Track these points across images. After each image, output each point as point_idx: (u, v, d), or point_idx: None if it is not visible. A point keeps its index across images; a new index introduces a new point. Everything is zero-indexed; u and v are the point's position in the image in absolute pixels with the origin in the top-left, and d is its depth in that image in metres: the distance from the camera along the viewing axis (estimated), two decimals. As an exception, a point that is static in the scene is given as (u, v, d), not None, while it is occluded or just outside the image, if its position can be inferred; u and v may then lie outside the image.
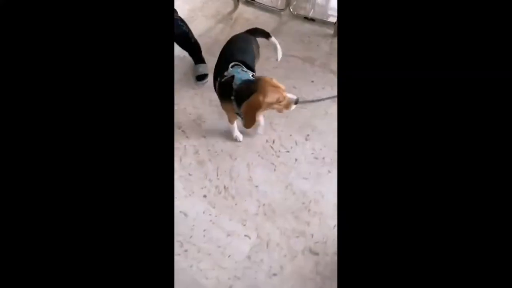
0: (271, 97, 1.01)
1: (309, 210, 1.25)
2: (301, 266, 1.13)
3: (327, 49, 1.78)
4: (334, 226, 1.21)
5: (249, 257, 1.15)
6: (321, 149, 1.39)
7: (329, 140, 1.41)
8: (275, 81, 1.05)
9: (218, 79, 1.17)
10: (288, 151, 1.39)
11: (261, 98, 1.00)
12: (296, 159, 1.37)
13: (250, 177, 1.33)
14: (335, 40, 1.80)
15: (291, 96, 1.05)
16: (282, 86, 1.05)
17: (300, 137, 1.41)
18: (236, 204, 1.27)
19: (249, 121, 1.08)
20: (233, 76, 1.11)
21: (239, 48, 1.23)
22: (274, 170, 1.35)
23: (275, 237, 1.19)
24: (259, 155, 1.39)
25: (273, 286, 1.09)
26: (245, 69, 1.16)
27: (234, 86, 1.09)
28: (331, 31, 1.85)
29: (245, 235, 1.20)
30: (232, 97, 1.10)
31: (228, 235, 1.20)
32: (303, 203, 1.26)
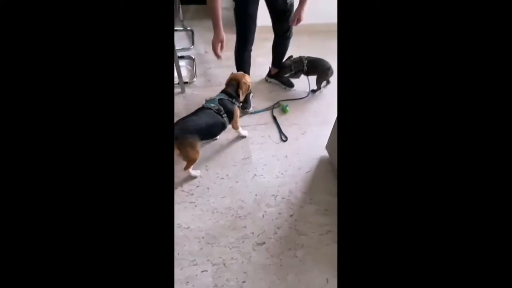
0: (248, 78, 1.66)
1: (239, 217, 1.44)
2: (258, 260, 1.29)
3: (182, 103, 2.12)
4: (263, 215, 1.45)
5: (216, 285, 1.20)
6: (222, 170, 1.64)
7: (222, 160, 1.68)
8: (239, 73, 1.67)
9: (222, 113, 1.52)
10: (198, 186, 1.56)
11: (246, 78, 1.64)
12: (207, 188, 1.56)
13: (178, 224, 1.40)
14: (184, 95, 2.18)
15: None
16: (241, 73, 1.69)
17: (200, 170, 1.62)
18: (178, 254, 1.29)
19: (245, 93, 1.66)
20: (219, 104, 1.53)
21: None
22: (195, 206, 1.48)
23: (226, 255, 1.30)
24: (176, 203, 1.48)
25: (248, 290, 1.19)
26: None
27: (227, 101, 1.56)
28: (178, 90, 2.23)
29: (202, 271, 1.24)
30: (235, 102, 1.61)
31: (187, 282, 1.20)
32: (232, 215, 1.45)
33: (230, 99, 1.57)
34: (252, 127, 1.90)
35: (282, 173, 1.65)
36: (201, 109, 1.51)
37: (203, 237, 1.35)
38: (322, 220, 1.44)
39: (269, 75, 2.27)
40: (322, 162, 1.72)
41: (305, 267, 1.28)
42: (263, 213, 1.46)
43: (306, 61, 2.06)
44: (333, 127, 1.59)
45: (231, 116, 1.56)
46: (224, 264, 1.27)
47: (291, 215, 1.46)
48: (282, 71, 2.11)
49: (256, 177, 1.62)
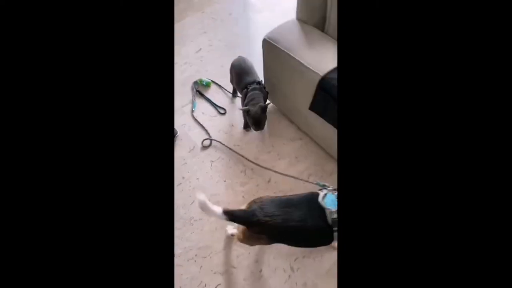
0: None
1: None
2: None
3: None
4: (243, 196, 1.33)
5: (237, 291, 1.10)
6: (175, 174, 1.41)
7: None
8: None
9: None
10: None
11: None
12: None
13: None
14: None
15: None
16: None
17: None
18: (181, 287, 1.13)
19: None
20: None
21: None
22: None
23: (230, 257, 1.18)
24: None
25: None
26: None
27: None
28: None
29: (216, 287, 1.11)
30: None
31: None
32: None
33: None
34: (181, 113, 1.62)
35: (238, 144, 1.49)
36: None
37: (196, 255, 1.19)
38: (299, 168, 1.39)
39: None
40: (269, 112, 1.60)
41: (306, 220, 1.24)
42: (242, 194, 1.34)
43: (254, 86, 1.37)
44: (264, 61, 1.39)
45: None
46: (233, 267, 1.15)
47: (268, 181, 1.37)
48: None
49: (214, 162, 1.44)
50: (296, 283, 1.12)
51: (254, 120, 1.32)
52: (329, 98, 1.06)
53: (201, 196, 0.84)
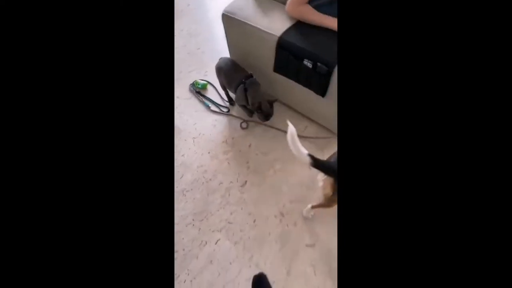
0: None
1: (210, 179, 1.38)
2: (252, 196, 1.31)
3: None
4: (228, 162, 1.43)
5: (235, 242, 1.20)
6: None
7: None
8: None
9: None
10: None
11: None
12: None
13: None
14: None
15: None
16: None
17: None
18: (184, 249, 1.21)
19: None
20: None
21: None
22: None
23: (225, 215, 1.28)
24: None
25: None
26: None
27: None
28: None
29: (216, 242, 1.21)
30: None
31: (211, 260, 1.17)
32: (202, 183, 1.38)
33: None
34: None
35: (216, 119, 1.59)
36: None
37: (193, 219, 1.28)
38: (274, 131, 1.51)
39: None
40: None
41: (291, 171, 1.37)
42: (227, 161, 1.44)
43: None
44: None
45: None
46: (229, 222, 1.26)
47: (249, 146, 1.48)
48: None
49: (196, 138, 1.53)
50: (287, 225, 1.24)
51: (265, 115, 1.39)
52: (288, 54, 1.18)
53: (292, 128, 0.87)
